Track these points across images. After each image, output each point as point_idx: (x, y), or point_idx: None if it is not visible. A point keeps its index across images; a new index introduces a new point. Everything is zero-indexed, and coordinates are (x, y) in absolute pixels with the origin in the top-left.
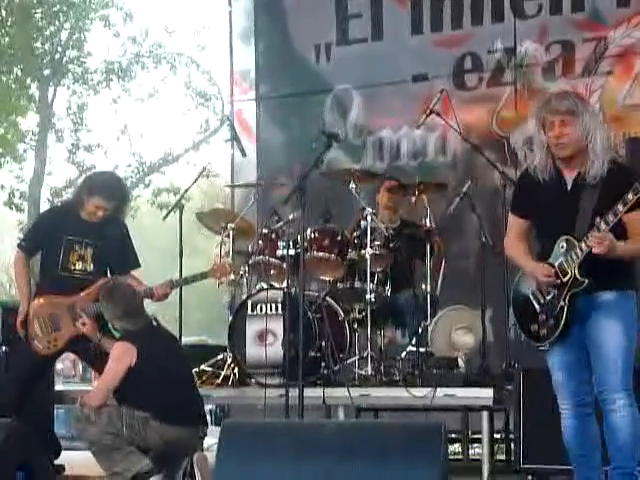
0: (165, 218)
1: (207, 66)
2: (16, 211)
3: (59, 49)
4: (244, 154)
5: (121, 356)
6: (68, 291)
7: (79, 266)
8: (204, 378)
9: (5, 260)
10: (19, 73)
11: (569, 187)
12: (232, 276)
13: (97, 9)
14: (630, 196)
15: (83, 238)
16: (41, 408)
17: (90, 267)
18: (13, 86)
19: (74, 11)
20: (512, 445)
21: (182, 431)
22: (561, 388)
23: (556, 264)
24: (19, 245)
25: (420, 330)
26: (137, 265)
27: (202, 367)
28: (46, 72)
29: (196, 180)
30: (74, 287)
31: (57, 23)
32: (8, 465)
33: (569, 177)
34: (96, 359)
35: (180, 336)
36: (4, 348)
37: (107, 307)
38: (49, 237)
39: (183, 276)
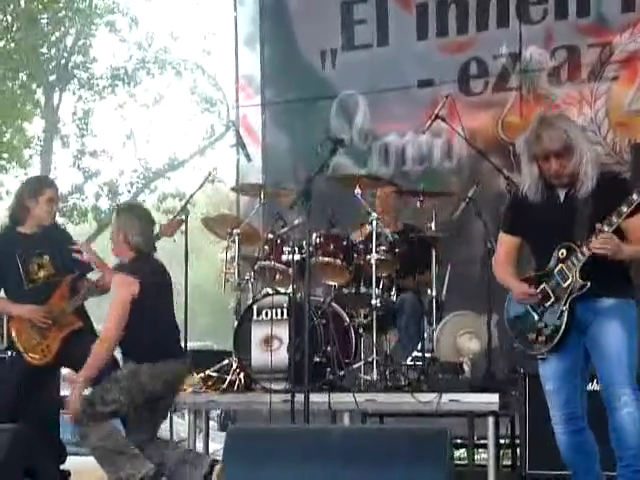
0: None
1: (212, 71)
2: None
3: (65, 55)
4: (249, 159)
5: (124, 284)
6: (38, 300)
7: (42, 273)
8: (210, 383)
9: None
10: (25, 78)
11: (562, 200)
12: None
13: (103, 15)
14: (635, 196)
15: (33, 249)
16: (47, 413)
17: (52, 270)
18: (19, 92)
19: (80, 17)
20: (518, 450)
21: (172, 364)
22: (552, 398)
23: (555, 271)
24: None
25: (426, 335)
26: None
27: (207, 372)
28: (52, 78)
29: (202, 186)
30: (43, 294)
31: (63, 29)
32: (14, 471)
33: (561, 191)
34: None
35: (186, 342)
36: (10, 353)
37: (127, 220)
38: (3, 263)
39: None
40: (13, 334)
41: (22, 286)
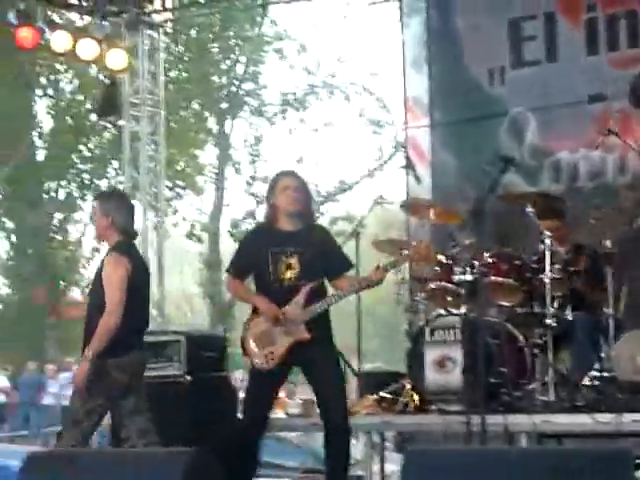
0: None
1: (380, 94)
2: (197, 242)
3: (235, 82)
4: (419, 180)
5: (120, 263)
6: (281, 301)
7: (288, 275)
8: (384, 405)
9: (187, 290)
10: (197, 107)
11: None
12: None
13: (271, 42)
14: None
15: (286, 247)
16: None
17: (298, 274)
18: (192, 120)
19: (249, 44)
20: None
21: (138, 355)
22: None
23: None
24: (228, 271)
25: (603, 355)
26: (349, 266)
27: (381, 394)
28: (223, 105)
29: (372, 208)
30: (286, 296)
31: (233, 57)
32: None
33: None
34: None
35: (359, 363)
36: (189, 377)
37: (113, 205)
38: (256, 257)
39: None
40: (246, 336)
41: (268, 284)
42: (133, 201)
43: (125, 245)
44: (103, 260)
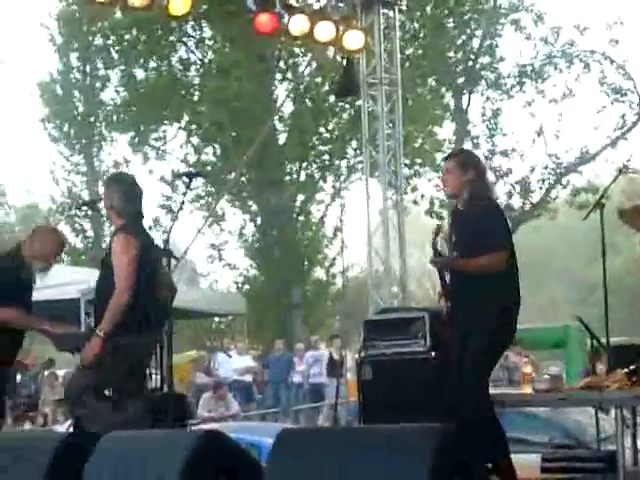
0: (585, 218)
1: (621, 61)
2: (436, 219)
3: (471, 57)
4: None
5: (130, 244)
6: None
7: (454, 253)
8: (634, 379)
9: (428, 266)
10: (433, 83)
11: None
12: None
13: (507, 13)
14: None
15: (453, 227)
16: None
17: (458, 252)
18: (428, 97)
19: (485, 18)
20: None
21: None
22: None
23: None
24: None
25: None
26: (493, 247)
27: (632, 367)
28: (460, 80)
29: (616, 178)
30: None
31: (469, 31)
32: (443, 470)
33: None
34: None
35: (607, 337)
36: (434, 354)
37: (112, 189)
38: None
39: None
40: None
41: None
42: (372, 180)
43: (133, 227)
44: (112, 240)
